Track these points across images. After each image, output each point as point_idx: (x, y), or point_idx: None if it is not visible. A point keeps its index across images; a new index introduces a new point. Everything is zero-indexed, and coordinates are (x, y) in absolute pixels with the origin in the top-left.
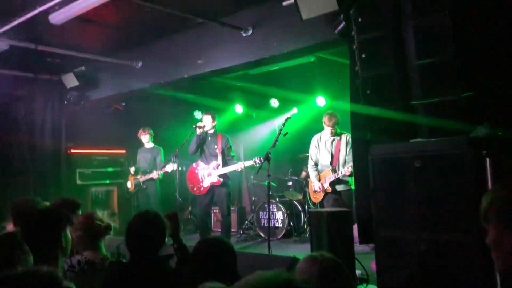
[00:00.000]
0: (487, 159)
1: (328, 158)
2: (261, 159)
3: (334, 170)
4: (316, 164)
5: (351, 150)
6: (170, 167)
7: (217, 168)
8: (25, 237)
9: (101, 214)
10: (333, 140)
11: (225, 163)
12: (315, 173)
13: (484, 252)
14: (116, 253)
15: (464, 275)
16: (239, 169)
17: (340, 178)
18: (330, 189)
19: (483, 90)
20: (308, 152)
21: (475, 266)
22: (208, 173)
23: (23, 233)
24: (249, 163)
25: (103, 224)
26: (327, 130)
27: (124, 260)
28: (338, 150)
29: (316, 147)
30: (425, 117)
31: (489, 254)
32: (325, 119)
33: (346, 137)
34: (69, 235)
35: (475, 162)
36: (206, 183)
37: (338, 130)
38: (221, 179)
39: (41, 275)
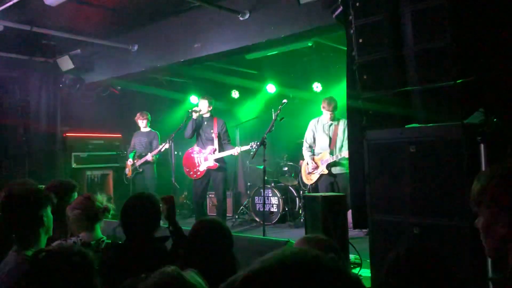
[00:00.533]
0: (482, 145)
1: (326, 141)
2: (258, 143)
3: (332, 153)
4: (310, 147)
5: None
6: (163, 146)
7: (214, 152)
8: (5, 220)
9: (101, 197)
10: (331, 124)
11: (221, 147)
12: (309, 153)
13: (477, 237)
14: (112, 235)
15: (457, 259)
16: (236, 154)
17: (337, 161)
18: (326, 171)
19: (479, 76)
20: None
21: (468, 250)
22: (205, 158)
23: (4, 216)
24: (245, 147)
25: (102, 206)
26: (326, 115)
27: (120, 242)
28: (336, 134)
29: (313, 131)
30: (420, 102)
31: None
32: (325, 103)
33: (344, 123)
34: (50, 215)
35: (469, 148)
36: (202, 167)
37: (337, 115)
38: (217, 164)
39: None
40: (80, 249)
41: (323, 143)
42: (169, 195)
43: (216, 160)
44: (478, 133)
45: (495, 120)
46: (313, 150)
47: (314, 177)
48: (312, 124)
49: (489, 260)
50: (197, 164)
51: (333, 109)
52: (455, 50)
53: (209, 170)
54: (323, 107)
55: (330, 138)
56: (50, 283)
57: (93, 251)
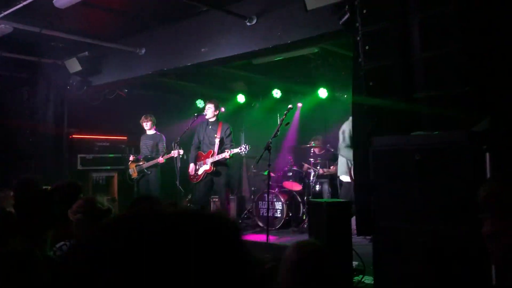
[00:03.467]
0: (487, 154)
1: None
2: (247, 146)
3: None
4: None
5: None
6: (176, 153)
7: (211, 156)
8: (20, 216)
9: (102, 199)
10: None
11: (222, 151)
12: None
13: (482, 244)
14: None
15: (462, 266)
16: (227, 157)
17: None
18: None
19: (487, 84)
20: (308, 144)
21: (473, 258)
22: (204, 162)
23: (18, 212)
24: (235, 150)
25: (104, 207)
26: None
27: None
28: None
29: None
30: (427, 109)
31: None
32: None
33: None
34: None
35: (475, 156)
36: (200, 171)
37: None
38: (214, 167)
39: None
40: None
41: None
42: (173, 200)
43: (215, 164)
44: (484, 141)
45: (501, 128)
46: None
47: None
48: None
49: (493, 268)
50: (196, 168)
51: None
52: (463, 58)
53: (209, 175)
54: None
55: None
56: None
57: None
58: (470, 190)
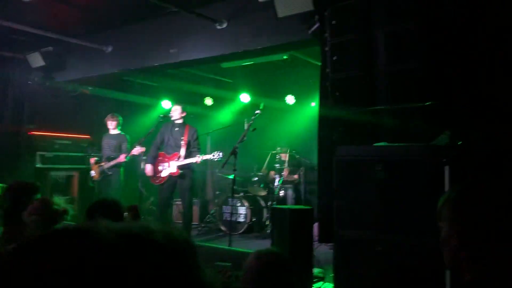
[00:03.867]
0: (446, 167)
1: None
2: (220, 153)
3: None
4: None
5: None
6: (138, 150)
7: (178, 159)
8: None
9: (59, 200)
10: None
11: (188, 155)
12: None
13: (437, 254)
14: None
15: (417, 275)
16: (198, 162)
17: None
18: None
19: (447, 99)
20: (275, 150)
21: (428, 267)
22: (168, 164)
23: None
24: (207, 156)
25: (60, 208)
26: None
27: None
28: None
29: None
30: (389, 122)
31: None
32: None
33: None
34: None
35: (434, 169)
36: (164, 173)
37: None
38: (180, 170)
39: None
40: None
41: None
42: (134, 205)
43: (181, 167)
44: (443, 155)
45: (459, 142)
46: None
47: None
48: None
49: (448, 275)
50: (159, 170)
51: None
52: (423, 73)
53: (172, 177)
54: None
55: None
56: None
57: None
58: (429, 202)
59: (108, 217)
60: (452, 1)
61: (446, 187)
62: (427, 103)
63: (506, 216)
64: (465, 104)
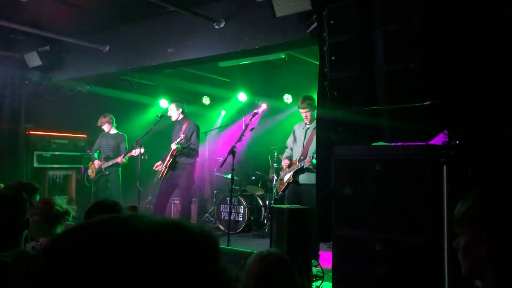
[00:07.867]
0: (444, 167)
1: (300, 147)
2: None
3: (300, 160)
4: (290, 153)
5: None
6: (136, 151)
7: (170, 155)
8: None
9: (61, 201)
10: (308, 128)
11: (187, 150)
12: (287, 160)
13: (436, 253)
14: None
15: (416, 274)
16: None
17: (304, 168)
18: (291, 179)
19: (445, 99)
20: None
21: (427, 266)
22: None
23: None
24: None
25: (62, 209)
26: (303, 115)
27: None
28: (311, 139)
29: (293, 135)
30: (388, 121)
31: (439, 256)
32: (299, 102)
33: None
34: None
35: (432, 169)
36: (162, 168)
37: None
38: (174, 162)
39: None
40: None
41: (297, 148)
42: (133, 205)
43: (178, 167)
44: (441, 155)
45: (457, 142)
46: (292, 155)
47: (283, 185)
48: (295, 127)
49: (446, 277)
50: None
51: (306, 107)
52: (422, 72)
53: (174, 175)
54: (298, 106)
55: (303, 145)
56: None
57: None
58: (427, 201)
59: None
60: (452, 1)
61: (444, 187)
62: (425, 103)
63: None
64: (464, 104)
